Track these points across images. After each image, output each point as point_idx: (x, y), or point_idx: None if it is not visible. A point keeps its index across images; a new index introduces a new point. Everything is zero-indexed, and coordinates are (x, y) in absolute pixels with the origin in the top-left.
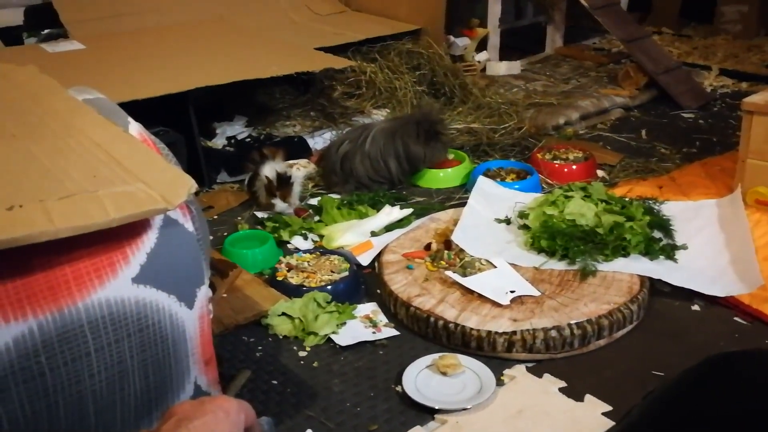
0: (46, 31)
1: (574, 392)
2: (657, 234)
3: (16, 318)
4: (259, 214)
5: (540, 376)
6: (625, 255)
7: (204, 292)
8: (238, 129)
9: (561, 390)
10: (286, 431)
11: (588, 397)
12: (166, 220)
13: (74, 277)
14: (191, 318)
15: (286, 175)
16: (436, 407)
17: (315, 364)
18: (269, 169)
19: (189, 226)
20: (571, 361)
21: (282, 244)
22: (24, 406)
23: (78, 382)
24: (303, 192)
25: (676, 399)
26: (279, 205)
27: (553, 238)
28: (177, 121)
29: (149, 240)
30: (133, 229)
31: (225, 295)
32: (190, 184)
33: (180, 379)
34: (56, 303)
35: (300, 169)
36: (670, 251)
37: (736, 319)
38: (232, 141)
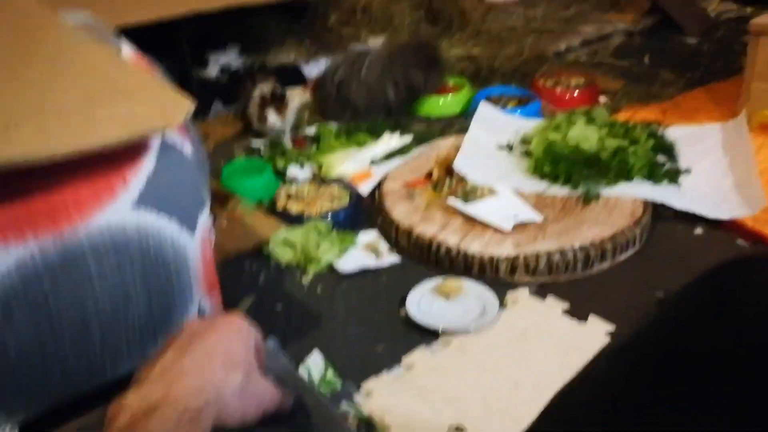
0: None
1: (577, 313)
2: (660, 158)
3: (17, 241)
4: (256, 144)
5: (544, 298)
6: (629, 179)
7: (205, 217)
8: (231, 58)
9: (565, 312)
10: (291, 354)
11: (592, 317)
12: (164, 144)
13: (74, 202)
14: (193, 243)
15: (281, 91)
16: (440, 329)
17: (318, 291)
18: (265, 87)
19: (187, 149)
20: (574, 283)
21: (280, 173)
22: (29, 330)
23: (82, 307)
24: (299, 121)
25: (690, 305)
26: (272, 117)
27: (556, 164)
28: (168, 49)
29: (148, 163)
30: (131, 153)
31: (225, 224)
32: (189, 105)
33: (184, 305)
34: (57, 227)
35: (295, 97)
36: (673, 175)
37: (738, 242)
38: (226, 70)
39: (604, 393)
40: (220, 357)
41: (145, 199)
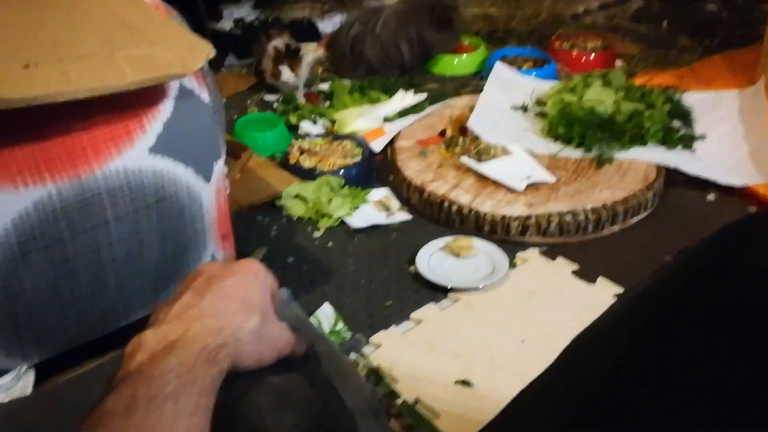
0: None
1: (586, 275)
2: (676, 123)
3: (34, 183)
4: (268, 98)
5: (553, 258)
6: (643, 143)
7: (221, 166)
8: (245, 11)
9: (574, 273)
10: (303, 305)
11: (600, 279)
12: (181, 90)
13: (91, 145)
14: (208, 191)
15: (296, 46)
16: (449, 286)
17: (329, 245)
18: (279, 42)
19: (205, 97)
20: (584, 245)
21: (293, 128)
22: (46, 271)
23: (97, 251)
24: (313, 77)
25: (698, 263)
26: (285, 73)
27: (571, 126)
28: (182, 1)
29: (165, 110)
30: (148, 98)
31: (238, 176)
32: (208, 49)
33: (198, 253)
34: (74, 170)
35: (309, 53)
36: (688, 141)
37: (750, 209)
38: (240, 24)
39: (611, 347)
40: (237, 300)
41: (162, 146)
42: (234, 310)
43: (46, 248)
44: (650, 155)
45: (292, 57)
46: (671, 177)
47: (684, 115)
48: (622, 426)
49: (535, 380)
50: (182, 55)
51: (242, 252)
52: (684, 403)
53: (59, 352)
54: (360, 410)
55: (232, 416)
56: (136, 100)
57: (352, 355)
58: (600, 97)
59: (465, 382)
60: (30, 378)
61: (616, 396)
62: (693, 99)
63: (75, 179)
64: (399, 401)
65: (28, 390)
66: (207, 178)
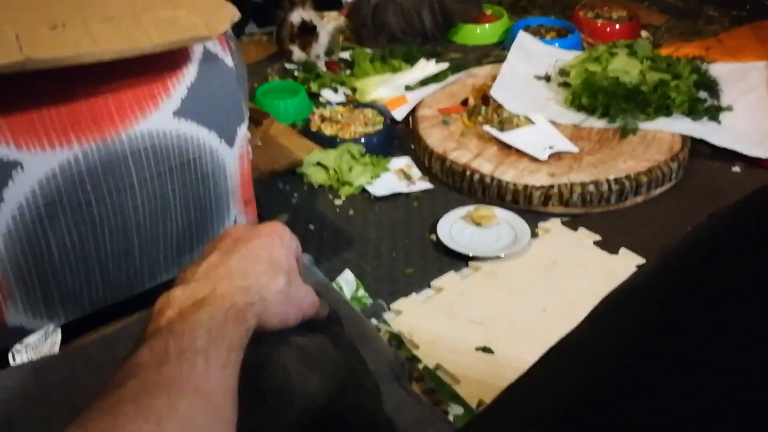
0: None
1: (608, 245)
2: (702, 94)
3: (60, 144)
4: (289, 66)
5: (575, 229)
6: (668, 114)
7: (244, 131)
8: None
9: (596, 243)
10: (324, 272)
11: (623, 250)
12: (206, 54)
13: (117, 107)
14: (232, 156)
15: (311, 24)
16: (470, 255)
17: (350, 213)
18: (296, 16)
19: (229, 61)
20: (607, 216)
21: (314, 97)
22: (72, 234)
23: (123, 213)
24: (334, 46)
25: (730, 227)
26: (296, 53)
27: (595, 96)
28: None
29: (189, 73)
30: (173, 61)
31: (259, 144)
32: (233, 12)
33: (221, 217)
34: (100, 132)
35: (330, 22)
36: (714, 112)
37: None
38: None
39: (643, 307)
40: (263, 261)
41: (186, 109)
42: (261, 270)
43: (72, 210)
44: (675, 126)
45: (305, 36)
46: (696, 148)
47: (710, 86)
48: (653, 385)
49: (564, 338)
50: (207, 17)
51: (264, 218)
52: (714, 363)
53: (85, 313)
54: (382, 372)
55: (258, 374)
56: (161, 64)
57: (373, 321)
58: (625, 67)
59: (486, 349)
60: (57, 337)
61: (647, 355)
62: (720, 70)
63: (100, 142)
64: (420, 366)
65: (56, 349)
66: (230, 142)
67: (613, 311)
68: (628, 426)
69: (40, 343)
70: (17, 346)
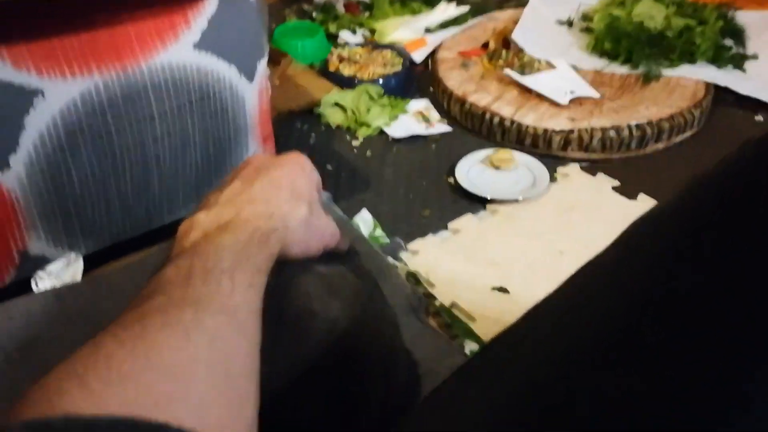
0: None
1: (627, 191)
2: (728, 42)
3: (81, 73)
4: (307, 7)
5: (594, 174)
6: (692, 61)
7: (264, 66)
8: None
9: (614, 188)
10: (341, 210)
11: (641, 196)
12: None
13: (137, 38)
14: (251, 91)
15: None
16: (488, 198)
17: (368, 154)
18: None
19: None
20: (626, 162)
21: (332, 38)
22: (93, 163)
23: (143, 145)
24: None
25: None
26: None
27: (618, 41)
28: None
29: (210, 5)
30: None
31: (277, 83)
32: None
33: (239, 153)
34: (120, 62)
35: None
36: (739, 60)
37: None
38: None
39: (672, 231)
40: (286, 189)
41: (207, 42)
42: (283, 198)
43: (92, 141)
44: (699, 73)
45: None
46: (719, 96)
47: (737, 33)
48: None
49: (592, 260)
50: None
51: None
52: (740, 292)
53: (105, 245)
54: (400, 305)
55: (281, 299)
56: None
57: (390, 260)
58: (650, 12)
59: (502, 289)
60: (79, 266)
61: (675, 278)
62: (747, 18)
63: (121, 71)
64: (437, 303)
65: (78, 277)
66: (250, 77)
67: (641, 235)
68: (664, 349)
69: (63, 271)
70: (40, 273)
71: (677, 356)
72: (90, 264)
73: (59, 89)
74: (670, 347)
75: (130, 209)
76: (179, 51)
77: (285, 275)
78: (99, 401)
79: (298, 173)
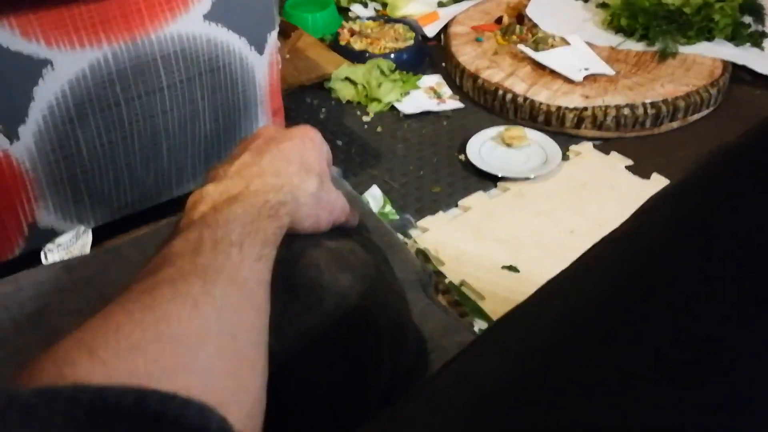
0: None
1: (640, 170)
2: (746, 19)
3: (90, 43)
4: None
5: (607, 153)
6: (710, 39)
7: (274, 38)
8: None
9: (627, 167)
10: (351, 186)
11: (655, 175)
12: None
13: (147, 7)
14: (261, 63)
15: None
16: (500, 175)
17: (379, 129)
18: None
19: None
20: (640, 140)
21: (343, 11)
22: (101, 135)
23: (152, 117)
24: None
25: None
26: None
27: (635, 17)
28: None
29: None
30: None
31: (288, 56)
32: None
33: (249, 126)
34: (130, 32)
35: None
36: (758, 38)
37: None
38: None
39: (689, 202)
40: (296, 162)
41: (217, 13)
42: (293, 171)
43: (101, 111)
44: (717, 51)
45: None
46: (737, 74)
47: (756, 10)
48: (703, 274)
49: (608, 234)
50: None
51: None
52: (754, 265)
53: (114, 218)
54: (410, 281)
55: (291, 271)
56: None
57: (400, 237)
58: None
59: (511, 268)
60: (88, 238)
61: (690, 248)
62: None
63: (130, 42)
64: (446, 281)
65: (87, 249)
66: (260, 49)
67: (658, 208)
68: (679, 311)
69: (72, 244)
70: (49, 246)
71: (684, 336)
72: (99, 238)
73: (68, 59)
74: (677, 326)
75: (138, 181)
76: (189, 22)
77: (295, 248)
78: (108, 371)
79: (308, 146)
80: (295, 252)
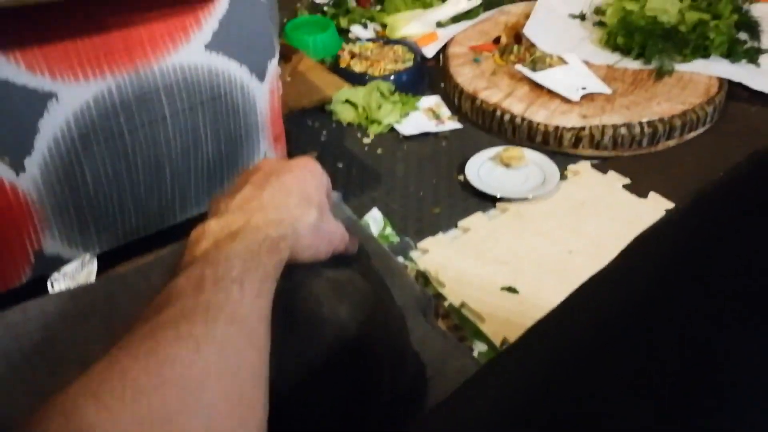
0: None
1: (638, 189)
2: (742, 36)
3: (94, 75)
4: (319, 1)
5: (605, 172)
6: (706, 56)
7: (275, 66)
8: None
9: (625, 186)
10: (352, 209)
11: (652, 194)
12: None
13: (149, 40)
14: (262, 91)
15: None
16: (498, 196)
17: (379, 151)
18: None
19: None
20: (638, 159)
21: (343, 32)
22: (106, 164)
23: (155, 146)
24: None
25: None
26: None
27: (631, 35)
28: None
29: (221, 6)
30: None
31: (288, 79)
32: None
33: (251, 152)
34: (133, 64)
35: None
36: (753, 54)
37: None
38: None
39: (673, 243)
40: (296, 194)
41: (218, 42)
42: (293, 204)
43: (105, 141)
44: (713, 68)
45: None
46: (733, 92)
47: (752, 27)
48: (686, 315)
49: (595, 274)
50: None
51: (293, 155)
52: (740, 302)
53: (119, 244)
54: (409, 307)
55: (290, 303)
56: None
57: (400, 259)
58: (663, 6)
59: (511, 289)
60: (93, 266)
61: (674, 287)
62: (762, 10)
63: (133, 73)
64: (446, 304)
65: (92, 277)
66: (261, 77)
67: (646, 247)
68: (659, 351)
69: (77, 272)
70: (55, 275)
71: (672, 373)
72: (104, 264)
73: (73, 92)
74: (664, 363)
75: (143, 208)
76: (191, 52)
77: (294, 279)
78: (114, 418)
79: (307, 178)
80: (294, 283)
